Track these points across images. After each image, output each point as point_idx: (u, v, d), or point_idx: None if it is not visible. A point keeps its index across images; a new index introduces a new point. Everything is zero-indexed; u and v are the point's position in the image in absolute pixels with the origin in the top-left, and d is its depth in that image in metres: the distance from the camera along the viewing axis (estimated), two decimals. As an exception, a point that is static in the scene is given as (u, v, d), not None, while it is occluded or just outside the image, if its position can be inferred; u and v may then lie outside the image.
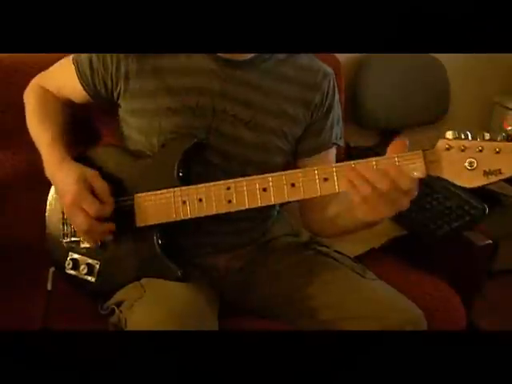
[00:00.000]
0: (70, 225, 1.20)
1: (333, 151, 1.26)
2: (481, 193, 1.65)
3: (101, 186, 1.12)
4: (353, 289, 1.18)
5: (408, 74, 2.01)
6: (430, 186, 1.61)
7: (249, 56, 1.18)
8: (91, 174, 1.13)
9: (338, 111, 1.28)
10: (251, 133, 1.18)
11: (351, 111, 1.93)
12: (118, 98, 1.20)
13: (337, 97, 1.28)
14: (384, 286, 1.20)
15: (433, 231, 1.51)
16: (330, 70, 1.27)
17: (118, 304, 1.15)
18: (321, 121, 1.24)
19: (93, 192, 1.11)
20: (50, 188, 1.24)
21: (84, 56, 1.20)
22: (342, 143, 1.28)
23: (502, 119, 2.15)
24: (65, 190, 1.12)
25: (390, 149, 0.98)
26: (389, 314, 1.12)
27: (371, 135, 2.04)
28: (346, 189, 0.98)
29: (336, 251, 1.29)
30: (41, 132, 1.22)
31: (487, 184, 0.95)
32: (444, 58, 2.04)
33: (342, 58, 1.72)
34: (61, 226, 1.22)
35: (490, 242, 1.50)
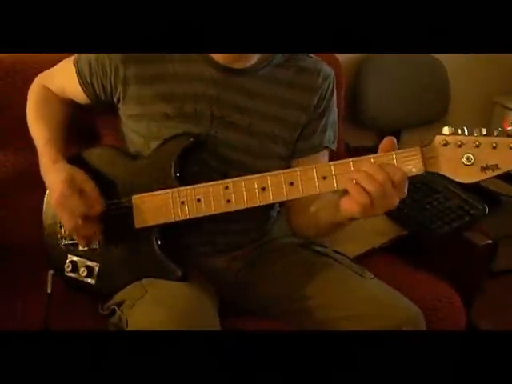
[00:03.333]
0: None
1: (324, 154, 1.25)
2: (481, 193, 1.65)
3: (90, 187, 1.13)
4: (351, 288, 1.18)
5: (408, 73, 2.01)
6: (430, 186, 1.61)
7: (247, 64, 1.19)
8: (80, 175, 1.13)
9: (333, 115, 1.27)
10: (249, 139, 1.19)
11: (351, 111, 1.93)
12: (117, 102, 1.21)
13: (334, 100, 1.27)
14: (382, 285, 1.20)
15: (433, 231, 1.51)
16: (330, 70, 1.26)
17: (119, 304, 1.15)
18: (314, 122, 1.23)
19: (82, 194, 1.12)
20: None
21: (83, 59, 1.21)
22: (334, 147, 1.27)
23: (501, 119, 2.15)
24: (53, 188, 1.14)
25: (381, 148, 0.98)
26: (387, 313, 1.12)
27: (371, 135, 2.04)
28: (345, 186, 0.98)
29: (335, 251, 1.29)
30: (38, 131, 1.23)
31: (485, 179, 0.95)
32: (444, 57, 2.05)
33: (342, 57, 1.72)
34: (58, 229, 1.22)
35: (490, 241, 1.50)
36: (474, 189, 1.64)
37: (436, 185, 1.61)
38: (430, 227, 1.52)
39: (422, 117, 2.05)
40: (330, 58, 1.61)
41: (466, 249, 1.51)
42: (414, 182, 1.60)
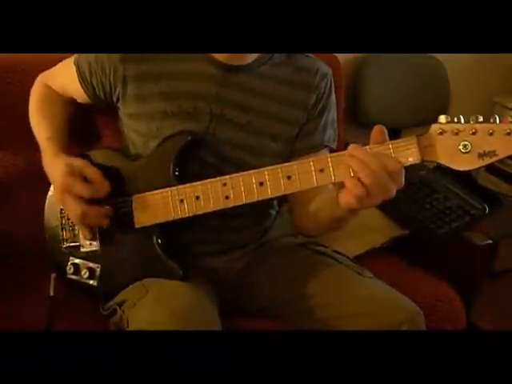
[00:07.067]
0: (69, 229, 1.21)
1: (325, 153, 1.25)
2: (481, 193, 1.65)
3: (92, 171, 1.12)
4: (350, 287, 1.18)
5: (408, 73, 2.01)
6: (430, 186, 1.61)
7: (247, 61, 1.19)
8: (80, 162, 1.13)
9: (333, 113, 1.28)
10: (248, 136, 1.19)
11: (351, 111, 1.93)
12: (117, 102, 1.21)
13: (332, 98, 1.28)
14: (382, 284, 1.20)
15: (433, 231, 1.51)
16: (327, 69, 1.27)
17: (120, 304, 1.15)
18: (314, 121, 1.24)
19: (86, 179, 1.11)
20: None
21: (83, 59, 1.21)
22: (334, 146, 1.28)
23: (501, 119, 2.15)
24: (55, 181, 1.14)
25: (372, 140, 0.99)
26: (387, 313, 1.12)
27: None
28: (341, 178, 0.98)
29: (334, 251, 1.29)
30: (40, 129, 1.23)
31: (482, 166, 0.94)
32: (444, 57, 2.05)
33: (342, 57, 1.72)
34: (60, 232, 1.22)
35: (490, 241, 1.50)
36: (474, 189, 1.64)
37: (436, 185, 1.61)
38: (429, 227, 1.52)
39: (422, 116, 2.04)
40: (330, 58, 1.62)
41: (466, 249, 1.51)
42: (414, 181, 1.61)
